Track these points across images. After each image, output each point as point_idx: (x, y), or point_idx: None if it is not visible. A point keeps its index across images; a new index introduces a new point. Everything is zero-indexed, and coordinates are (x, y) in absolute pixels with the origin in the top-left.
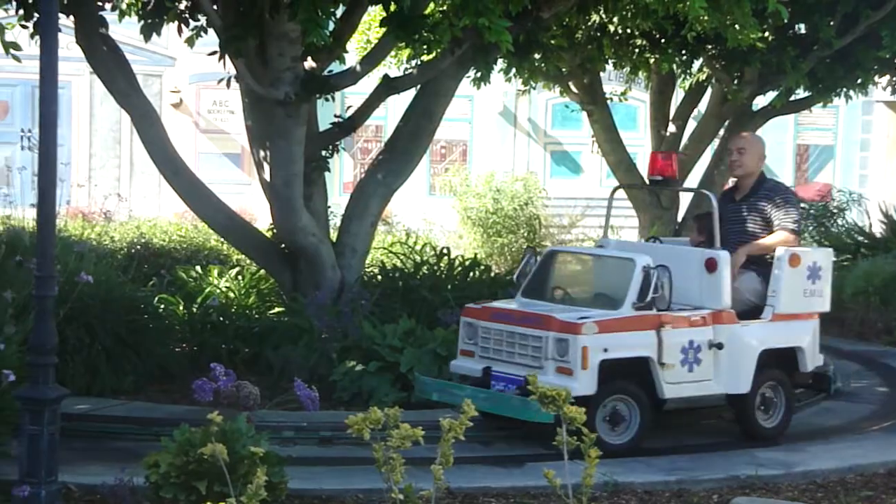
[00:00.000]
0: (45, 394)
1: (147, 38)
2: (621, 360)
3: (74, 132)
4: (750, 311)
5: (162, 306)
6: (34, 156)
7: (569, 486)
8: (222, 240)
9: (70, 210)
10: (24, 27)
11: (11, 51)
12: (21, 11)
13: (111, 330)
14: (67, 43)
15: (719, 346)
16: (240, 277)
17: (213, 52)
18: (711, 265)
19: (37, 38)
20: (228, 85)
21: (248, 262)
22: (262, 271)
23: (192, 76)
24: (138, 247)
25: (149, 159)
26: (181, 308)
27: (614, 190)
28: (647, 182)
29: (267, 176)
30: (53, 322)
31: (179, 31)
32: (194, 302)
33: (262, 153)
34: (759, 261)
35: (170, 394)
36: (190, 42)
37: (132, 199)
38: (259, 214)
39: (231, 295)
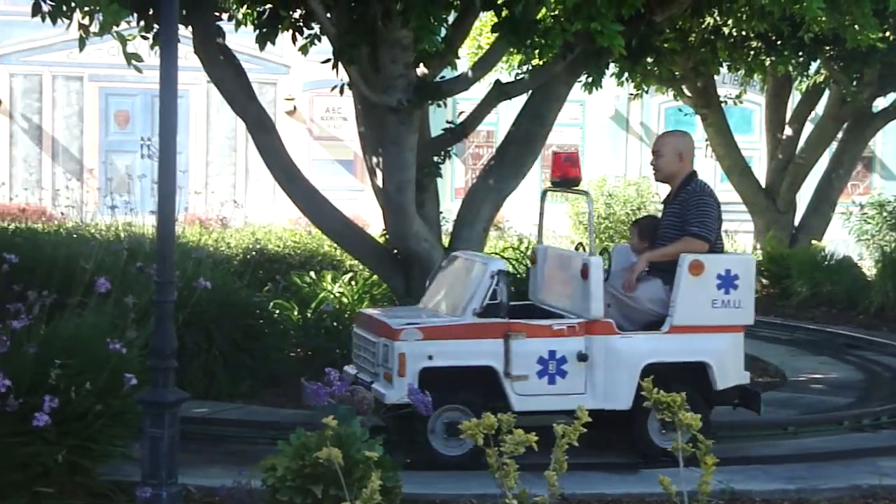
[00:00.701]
0: (165, 397)
1: (262, 47)
2: (456, 368)
3: (192, 140)
4: (657, 321)
5: (277, 311)
6: (154, 164)
7: (684, 493)
8: (336, 245)
9: (188, 217)
10: (145, 38)
11: (133, 62)
12: (142, 23)
13: (228, 335)
14: (185, 53)
15: (583, 358)
16: (353, 283)
17: (327, 60)
18: (584, 272)
19: (156, 48)
20: (342, 92)
21: (361, 267)
22: (375, 277)
23: (305, 84)
24: (253, 253)
25: (264, 166)
26: (295, 313)
27: (544, 193)
28: (551, 184)
29: (380, 182)
30: (173, 327)
31: (294, 39)
32: (308, 307)
33: (374, 159)
34: (670, 268)
35: (286, 398)
36: (304, 50)
37: (247, 206)
38: (372, 220)
39: (345, 300)
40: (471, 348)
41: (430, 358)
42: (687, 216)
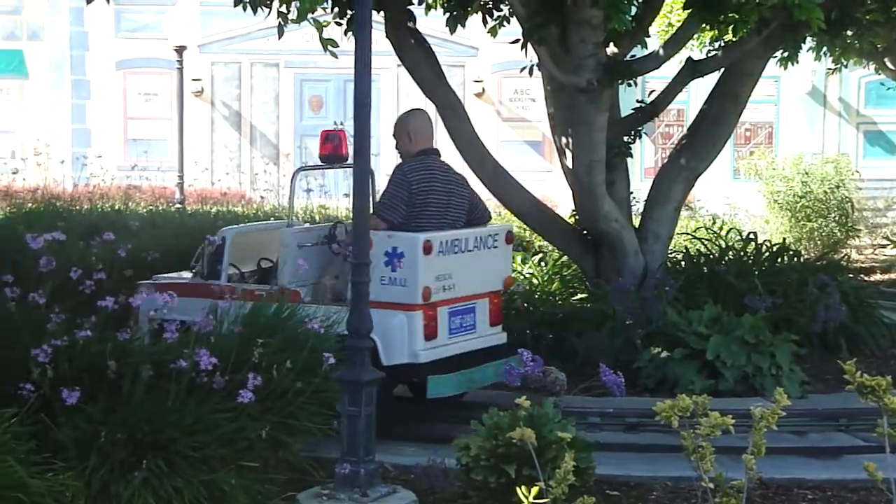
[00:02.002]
0: (361, 376)
1: (452, 29)
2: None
3: (383, 124)
4: None
5: None
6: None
7: (892, 480)
8: (525, 227)
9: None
10: (339, 24)
11: (329, 47)
12: (336, 10)
13: None
14: (377, 37)
15: None
16: (543, 264)
17: (516, 41)
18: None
19: (350, 34)
20: (531, 73)
21: (550, 248)
22: (565, 258)
23: (494, 65)
24: None
25: (453, 148)
26: None
27: (296, 172)
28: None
29: (569, 163)
30: (368, 307)
31: (484, 21)
32: None
33: (564, 140)
34: None
35: None
36: (493, 32)
37: None
38: (560, 201)
39: (535, 281)
40: (189, 305)
41: (155, 311)
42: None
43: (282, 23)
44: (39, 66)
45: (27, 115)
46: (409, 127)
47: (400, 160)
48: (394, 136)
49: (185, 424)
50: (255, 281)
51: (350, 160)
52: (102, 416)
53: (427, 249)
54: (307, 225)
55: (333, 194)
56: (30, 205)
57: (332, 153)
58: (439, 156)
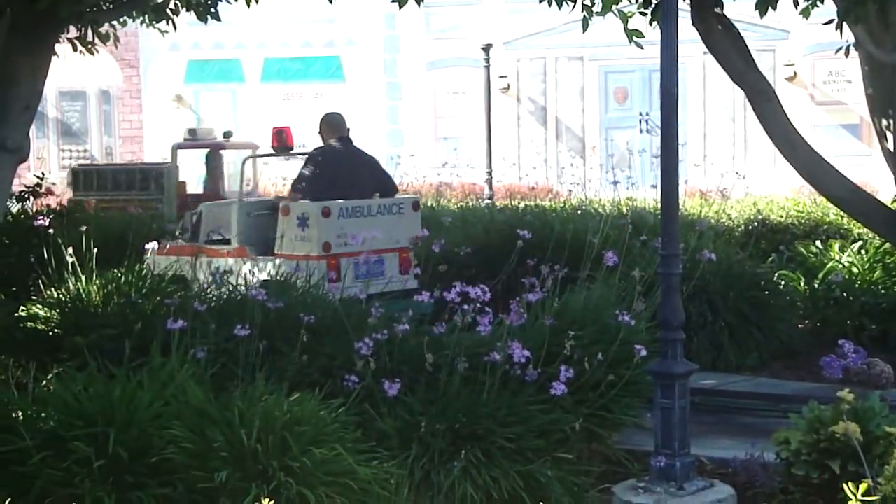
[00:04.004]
0: (674, 368)
1: (763, 13)
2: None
3: (689, 113)
4: None
5: (782, 283)
6: (652, 138)
7: None
8: (843, 214)
9: (688, 189)
10: (643, 14)
11: (634, 38)
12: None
13: (733, 306)
14: (682, 26)
15: (229, 273)
16: (863, 252)
17: (830, 21)
18: None
19: (655, 23)
20: (847, 54)
21: (871, 235)
22: (888, 245)
23: (806, 48)
24: (755, 223)
25: (763, 135)
26: (802, 284)
27: (245, 159)
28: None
29: (890, 146)
30: (679, 298)
31: (795, 3)
32: (815, 278)
33: (884, 122)
34: None
35: (794, 370)
36: (805, 13)
37: (747, 176)
38: (881, 186)
39: (854, 270)
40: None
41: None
42: None
43: (586, 15)
44: (355, 71)
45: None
46: (324, 124)
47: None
48: (318, 132)
49: (501, 416)
50: (221, 243)
51: (295, 149)
52: (422, 408)
53: (326, 214)
54: (254, 200)
55: (640, 185)
56: None
57: (280, 145)
58: (351, 143)
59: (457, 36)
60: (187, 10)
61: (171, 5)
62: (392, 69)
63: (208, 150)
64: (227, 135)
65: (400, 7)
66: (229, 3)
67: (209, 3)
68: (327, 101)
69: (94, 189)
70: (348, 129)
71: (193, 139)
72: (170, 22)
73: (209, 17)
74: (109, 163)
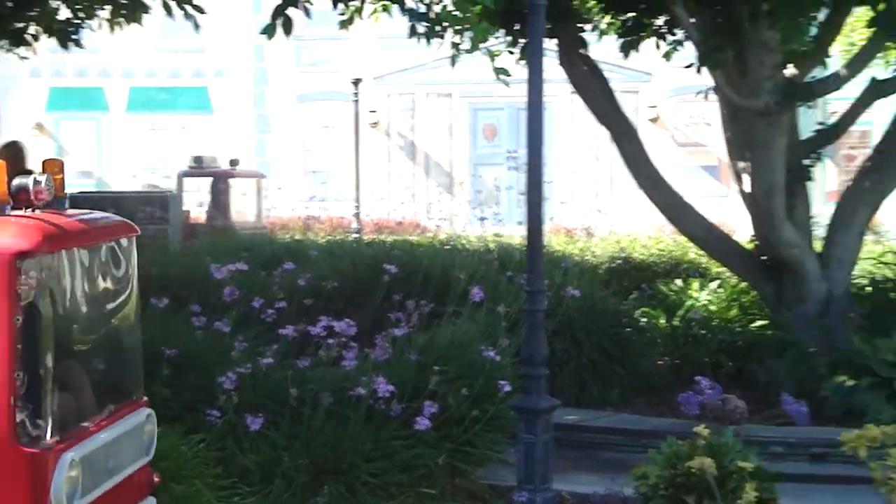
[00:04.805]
0: (537, 404)
1: (626, 54)
2: None
3: (555, 151)
4: None
5: (644, 319)
6: (520, 175)
7: None
8: (702, 253)
9: (554, 226)
10: (511, 53)
11: (501, 76)
12: (508, 38)
13: (597, 343)
14: (549, 65)
15: None
16: (720, 290)
17: (690, 65)
18: None
19: (523, 62)
20: (706, 97)
21: (728, 274)
22: (744, 284)
23: (669, 91)
24: (619, 261)
25: (628, 174)
26: (663, 321)
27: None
28: None
29: (747, 187)
30: (543, 335)
31: (657, 46)
32: (675, 315)
33: (741, 164)
34: None
35: (655, 406)
36: (668, 56)
37: (612, 214)
38: (738, 226)
39: (712, 308)
40: None
41: None
42: None
43: (455, 53)
44: (223, 102)
45: (210, 150)
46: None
47: None
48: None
49: (365, 451)
50: None
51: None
52: (285, 442)
53: None
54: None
55: (507, 222)
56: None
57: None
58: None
59: (327, 70)
60: (49, 36)
61: (32, 30)
62: (261, 101)
63: (213, 177)
64: (234, 163)
65: (269, 38)
66: (92, 30)
67: (71, 29)
68: (194, 132)
69: None
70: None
71: (199, 167)
72: (30, 48)
73: (71, 43)
74: (111, 190)
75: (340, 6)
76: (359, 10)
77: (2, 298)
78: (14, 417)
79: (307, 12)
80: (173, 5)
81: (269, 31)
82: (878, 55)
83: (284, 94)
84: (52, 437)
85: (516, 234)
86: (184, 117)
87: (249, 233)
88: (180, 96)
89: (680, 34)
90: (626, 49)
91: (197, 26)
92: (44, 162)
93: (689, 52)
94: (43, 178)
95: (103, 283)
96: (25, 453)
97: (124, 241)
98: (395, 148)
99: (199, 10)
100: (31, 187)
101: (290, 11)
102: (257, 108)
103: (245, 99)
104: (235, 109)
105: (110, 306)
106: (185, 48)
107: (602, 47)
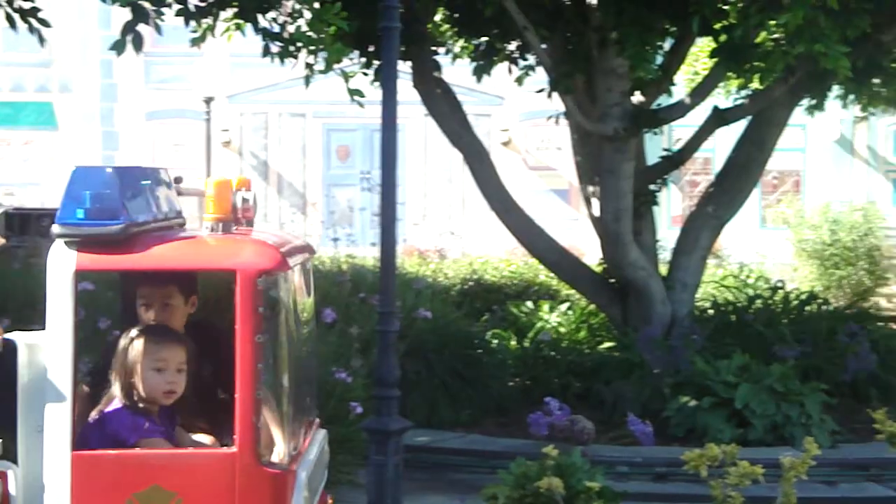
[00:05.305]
0: (389, 425)
1: (479, 79)
2: None
3: (409, 172)
4: None
5: (495, 341)
6: (373, 196)
7: None
8: (552, 275)
9: (407, 248)
10: (366, 74)
11: (355, 97)
12: (363, 60)
13: (448, 364)
14: (403, 87)
15: None
16: (570, 312)
17: (542, 90)
18: None
19: (377, 83)
20: (557, 122)
21: (578, 296)
22: (593, 306)
23: (520, 114)
24: (471, 283)
25: (480, 197)
26: (513, 343)
27: None
28: None
29: (595, 211)
30: (396, 356)
31: (510, 70)
32: (526, 337)
33: (590, 188)
34: None
35: (505, 427)
36: (519, 81)
37: (464, 236)
38: (587, 249)
39: (562, 329)
40: None
41: None
42: None
43: (309, 73)
44: (69, 118)
45: (56, 167)
46: None
47: None
48: None
49: None
50: None
51: None
52: None
53: None
54: None
55: (361, 243)
56: None
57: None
58: None
59: (178, 87)
60: None
61: None
62: (109, 118)
63: None
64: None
65: (119, 55)
66: None
67: None
68: (38, 148)
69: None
70: None
71: None
72: None
73: None
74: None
75: (192, 23)
76: (211, 28)
77: (245, 318)
78: (258, 438)
79: (158, 29)
80: (17, 18)
81: (118, 47)
82: (720, 85)
83: (133, 111)
84: (289, 457)
85: (369, 255)
86: (27, 133)
87: None
88: (23, 111)
89: (532, 59)
90: (479, 73)
91: (42, 40)
92: (239, 180)
93: (540, 77)
94: (251, 196)
95: (305, 302)
96: (268, 474)
97: (309, 262)
98: (247, 167)
99: (45, 23)
100: (239, 205)
101: (141, 27)
102: (105, 125)
103: (92, 115)
104: (82, 125)
105: (308, 325)
106: (29, 62)
107: (455, 71)
